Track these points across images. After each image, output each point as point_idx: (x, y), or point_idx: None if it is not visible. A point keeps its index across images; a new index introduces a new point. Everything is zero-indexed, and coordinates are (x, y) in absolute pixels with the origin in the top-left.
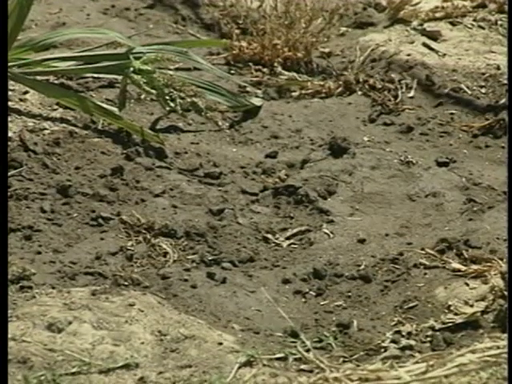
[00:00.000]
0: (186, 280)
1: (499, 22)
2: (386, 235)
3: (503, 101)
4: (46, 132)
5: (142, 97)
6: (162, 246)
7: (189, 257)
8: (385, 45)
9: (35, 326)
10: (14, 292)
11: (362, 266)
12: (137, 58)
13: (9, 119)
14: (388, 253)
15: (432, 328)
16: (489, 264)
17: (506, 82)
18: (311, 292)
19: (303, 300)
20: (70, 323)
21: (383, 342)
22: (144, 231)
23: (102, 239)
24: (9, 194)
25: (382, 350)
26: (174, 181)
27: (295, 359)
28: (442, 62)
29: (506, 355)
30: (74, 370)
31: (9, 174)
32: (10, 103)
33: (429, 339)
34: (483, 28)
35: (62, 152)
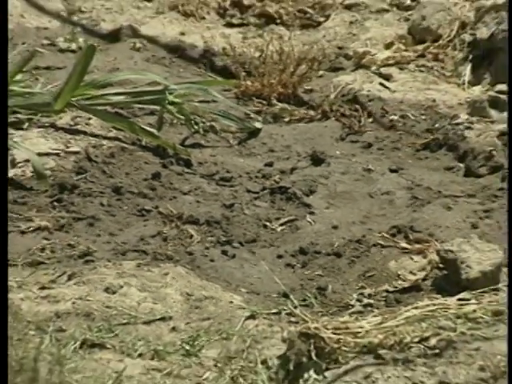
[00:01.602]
0: (206, 256)
1: (435, 67)
2: (353, 223)
3: (437, 125)
4: (104, 147)
5: (174, 121)
6: (188, 230)
7: (208, 238)
8: (351, 84)
9: (96, 289)
10: (81, 264)
11: (335, 246)
12: (170, 93)
13: (77, 138)
14: (354, 236)
15: (386, 291)
16: (427, 244)
17: (440, 110)
18: (298, 264)
19: (292, 270)
20: (121, 287)
21: (350, 301)
22: (175, 220)
23: (144, 226)
24: (77, 192)
25: (350, 307)
26: (198, 183)
27: (286, 314)
28: (393, 97)
29: (440, 310)
30: (124, 322)
31: (77, 178)
32: (78, 126)
33: (384, 299)
34: (423, 72)
35: (116, 162)
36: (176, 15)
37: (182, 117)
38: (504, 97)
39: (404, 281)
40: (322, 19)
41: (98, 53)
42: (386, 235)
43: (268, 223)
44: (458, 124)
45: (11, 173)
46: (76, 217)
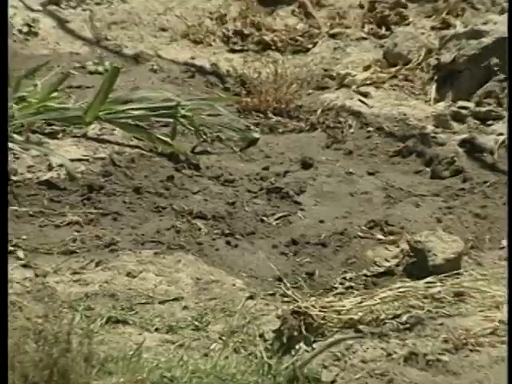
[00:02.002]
0: (212, 245)
1: (405, 87)
2: (336, 218)
3: (408, 135)
4: (126, 154)
5: (186, 132)
6: (197, 224)
7: (214, 231)
8: (335, 100)
9: (119, 274)
10: (106, 253)
11: (322, 237)
12: (182, 108)
13: (103, 146)
14: (338, 229)
15: (365, 275)
16: (400, 235)
17: (410, 123)
18: (290, 253)
19: (285, 258)
20: (140, 272)
21: (334, 284)
22: (186, 215)
23: (160, 220)
24: (103, 192)
25: (334, 289)
26: (205, 184)
27: (280, 295)
28: (370, 111)
29: (410, 292)
30: (143, 301)
31: (103, 179)
32: (104, 136)
33: (363, 282)
34: (395, 90)
35: (136, 166)
36: (187, 42)
37: (192, 128)
38: (464, 111)
39: (380, 267)
40: (310, 46)
41: (121, 74)
42: (364, 228)
43: (265, 218)
44: (425, 134)
45: (48, 175)
46: (102, 213)
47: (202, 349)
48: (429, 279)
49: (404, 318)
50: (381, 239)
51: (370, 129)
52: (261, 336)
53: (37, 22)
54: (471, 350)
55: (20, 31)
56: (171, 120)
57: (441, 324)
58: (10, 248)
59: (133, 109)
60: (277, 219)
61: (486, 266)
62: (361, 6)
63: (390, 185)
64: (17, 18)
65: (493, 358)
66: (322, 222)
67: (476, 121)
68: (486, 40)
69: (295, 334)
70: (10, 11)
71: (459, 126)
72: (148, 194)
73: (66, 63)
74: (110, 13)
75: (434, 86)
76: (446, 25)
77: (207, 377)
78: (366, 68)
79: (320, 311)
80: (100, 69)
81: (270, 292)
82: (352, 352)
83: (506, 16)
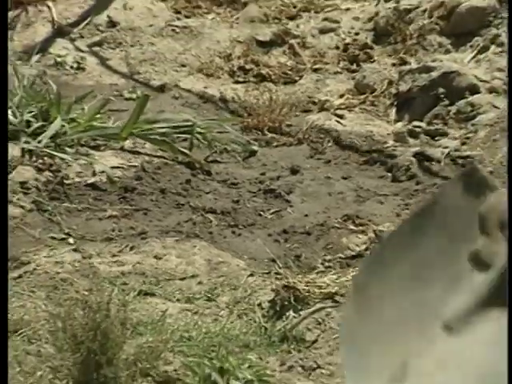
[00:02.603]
0: (220, 234)
1: (372, 110)
2: (318, 212)
3: (374, 148)
4: (154, 162)
5: (200, 145)
6: (209, 217)
7: (222, 223)
8: (317, 121)
9: (148, 256)
10: (138, 240)
11: (307, 228)
12: (198, 127)
13: (135, 156)
14: (319, 221)
15: (340, 257)
16: (367, 226)
17: (375, 138)
18: (281, 240)
19: (278, 244)
20: (164, 255)
21: (317, 264)
22: (200, 210)
23: (180, 214)
24: (136, 192)
25: (316, 268)
26: (215, 186)
27: (274, 273)
28: (345, 129)
29: None
30: (166, 278)
31: (135, 182)
32: (136, 149)
33: (339, 263)
34: (364, 113)
35: (161, 172)
36: (201, 76)
37: (205, 142)
38: (417, 129)
39: (352, 251)
40: (297, 78)
41: (149, 100)
42: (340, 221)
43: (262, 213)
44: (387, 147)
45: (92, 179)
46: (135, 208)
47: (212, 315)
48: None
49: None
50: (353, 229)
51: (344, 143)
52: (259, 305)
53: (84, 60)
54: None
55: (71, 67)
56: (189, 136)
57: None
58: (63, 236)
59: (159, 127)
60: (271, 213)
61: None
62: (337, 48)
63: (359, 187)
64: (69, 57)
65: None
66: (306, 215)
67: (427, 137)
68: (434, 74)
69: (286, 303)
70: (62, 51)
71: (413, 141)
72: (170, 193)
73: (106, 92)
74: (141, 52)
75: (393, 110)
76: (403, 62)
77: (216, 337)
78: (341, 96)
79: (305, 286)
80: (133, 96)
81: (266, 271)
82: (330, 318)
83: (449, 56)
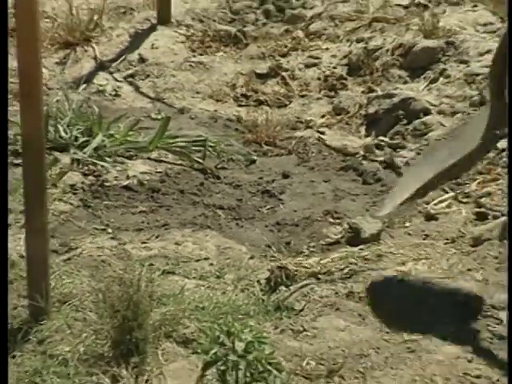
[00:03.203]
0: (227, 226)
1: (347, 128)
2: (304, 209)
3: (348, 158)
4: (175, 169)
5: (211, 156)
6: (218, 212)
7: (228, 217)
8: (303, 136)
9: (170, 243)
10: (162, 230)
11: (295, 220)
12: (209, 141)
13: (161, 164)
14: (305, 215)
15: (322, 244)
16: (343, 219)
17: (349, 150)
18: (275, 230)
19: (272, 233)
20: (183, 242)
21: (303, 249)
22: (211, 207)
23: (195, 210)
24: (160, 192)
25: (302, 252)
26: (223, 188)
27: (270, 256)
28: (325, 143)
29: (349, 254)
30: (185, 260)
31: (160, 185)
32: (161, 158)
33: (320, 249)
34: (340, 130)
35: (180, 176)
36: (212, 101)
37: (215, 153)
38: (382, 143)
39: (331, 239)
40: (288, 103)
41: (171, 120)
42: (321, 215)
43: (260, 209)
44: (358, 157)
45: (126, 182)
46: (160, 205)
47: (221, 289)
48: (361, 246)
49: (345, 270)
50: (331, 222)
51: (325, 153)
52: (258, 281)
53: (120, 88)
54: None
55: (110, 94)
56: (202, 148)
57: (368, 274)
58: (103, 227)
59: (179, 141)
60: (267, 209)
61: (396, 238)
62: (318, 79)
63: (337, 188)
64: (108, 86)
65: None
66: (295, 211)
67: (390, 149)
68: (395, 99)
69: (279, 280)
70: (103, 81)
71: (379, 152)
72: (187, 193)
73: (138, 114)
74: (165, 82)
75: (363, 128)
76: (371, 90)
77: (224, 306)
78: (322, 116)
79: (294, 266)
80: (158, 117)
81: (263, 254)
82: (314, 291)
83: (407, 85)
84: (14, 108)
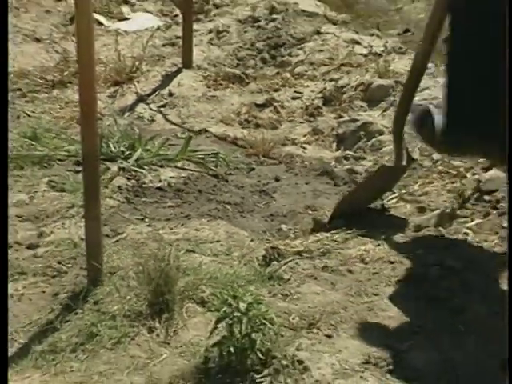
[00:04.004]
0: (234, 217)
1: (322, 145)
2: (291, 204)
3: (323, 166)
4: (194, 175)
5: (222, 165)
6: (226, 207)
7: (234, 210)
8: (290, 150)
9: (191, 230)
10: (185, 220)
11: (284, 213)
12: (220, 154)
13: (184, 170)
14: (292, 209)
15: (303, 230)
16: (317, 212)
17: (325, 160)
18: (269, 220)
19: (267, 222)
20: (201, 229)
21: (290, 234)
22: (222, 203)
23: (210, 205)
24: (184, 192)
25: (289, 236)
26: (231, 189)
27: (265, 239)
28: (307, 155)
29: (325, 238)
30: (201, 242)
31: (183, 186)
32: (184, 167)
33: (303, 233)
34: (317, 146)
35: (199, 180)
36: (223, 124)
37: (224, 163)
38: (349, 156)
39: (312, 227)
40: (279, 126)
41: (192, 139)
42: (303, 209)
43: (258, 204)
44: (331, 166)
45: (158, 184)
46: (183, 201)
47: (229, 264)
48: (332, 231)
49: (321, 249)
50: (311, 213)
51: (306, 163)
52: (256, 258)
53: (155, 115)
54: (353, 266)
55: (147, 120)
56: (215, 159)
57: (339, 252)
58: (142, 217)
59: (198, 154)
60: (263, 204)
61: (359, 226)
62: (301, 108)
63: (315, 189)
64: (146, 113)
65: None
66: (284, 205)
67: (354, 160)
68: (358, 123)
69: (272, 257)
70: (142, 110)
71: (346, 162)
72: (204, 193)
73: (167, 134)
74: (188, 111)
75: (335, 144)
76: (340, 116)
77: (231, 277)
78: (304, 136)
79: (283, 246)
80: (183, 136)
81: (261, 238)
82: (298, 265)
83: (367, 113)
84: (76, 130)
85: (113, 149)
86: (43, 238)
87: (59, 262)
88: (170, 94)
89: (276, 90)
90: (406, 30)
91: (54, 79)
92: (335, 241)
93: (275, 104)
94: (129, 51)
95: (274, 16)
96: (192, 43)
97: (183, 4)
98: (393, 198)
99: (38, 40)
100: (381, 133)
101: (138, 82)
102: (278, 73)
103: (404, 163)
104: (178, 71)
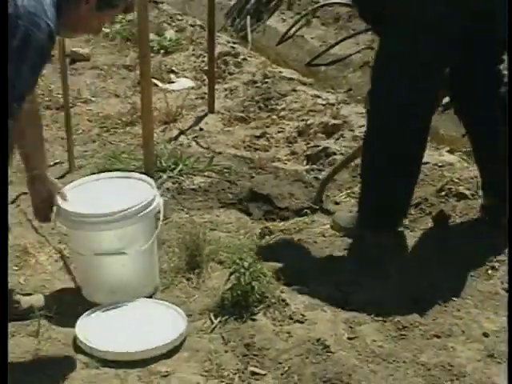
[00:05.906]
0: (240, 209)
1: (297, 162)
2: (278, 198)
3: (298, 175)
4: (216, 180)
5: (232, 174)
6: (235, 201)
7: (241, 203)
8: (277, 165)
9: (212, 216)
10: (208, 211)
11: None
12: (233, 168)
13: (204, 178)
14: (285, 206)
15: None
16: (298, 201)
17: (299, 171)
18: (263, 211)
19: (262, 212)
20: (220, 216)
21: (279, 222)
22: (234, 198)
23: (225, 199)
24: (207, 192)
25: (276, 220)
26: (239, 190)
27: (261, 222)
28: (287, 168)
29: (306, 222)
30: (220, 224)
31: (207, 188)
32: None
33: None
34: (295, 162)
35: (218, 184)
36: (234, 149)
37: (235, 172)
38: (314, 168)
39: (292, 213)
40: (269, 150)
41: (214, 158)
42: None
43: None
44: (304, 175)
45: (192, 186)
46: (208, 198)
47: (237, 238)
48: (304, 217)
49: (296, 229)
50: (291, 201)
51: (287, 173)
52: (255, 234)
53: (190, 142)
54: (317, 239)
55: (186, 146)
56: (229, 170)
57: (308, 230)
58: (182, 208)
59: (218, 167)
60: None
61: (321, 214)
62: (283, 138)
63: (293, 189)
64: (184, 141)
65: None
66: (274, 198)
67: (317, 171)
68: (320, 148)
69: (265, 234)
70: (182, 140)
71: (311, 172)
72: (222, 192)
73: (198, 155)
74: (211, 140)
75: (305, 161)
76: (309, 143)
77: (239, 246)
78: (285, 156)
79: (272, 227)
80: (208, 156)
81: (258, 220)
82: (283, 238)
83: (326, 141)
84: (141, 152)
85: (163, 164)
86: None
87: None
88: (200, 129)
89: (268, 127)
90: (349, 89)
91: (127, 120)
92: (305, 222)
93: (267, 136)
94: (174, 102)
95: (267, 80)
96: (214, 97)
97: (209, 73)
98: (343, 195)
99: (117, 96)
100: (334, 154)
101: (180, 122)
102: (268, 116)
103: None
104: (205, 115)
